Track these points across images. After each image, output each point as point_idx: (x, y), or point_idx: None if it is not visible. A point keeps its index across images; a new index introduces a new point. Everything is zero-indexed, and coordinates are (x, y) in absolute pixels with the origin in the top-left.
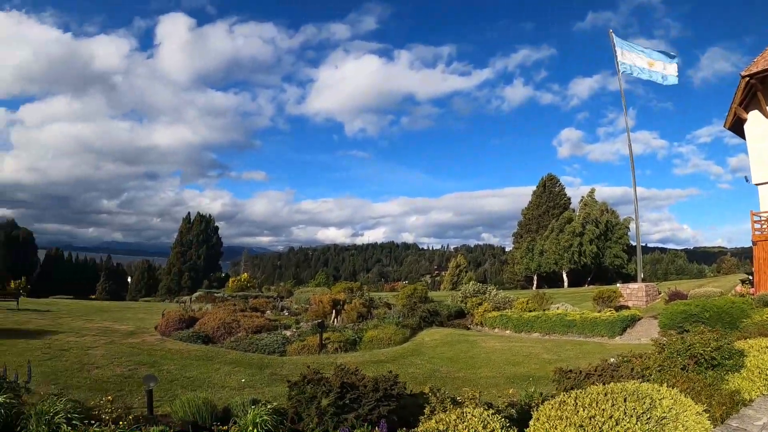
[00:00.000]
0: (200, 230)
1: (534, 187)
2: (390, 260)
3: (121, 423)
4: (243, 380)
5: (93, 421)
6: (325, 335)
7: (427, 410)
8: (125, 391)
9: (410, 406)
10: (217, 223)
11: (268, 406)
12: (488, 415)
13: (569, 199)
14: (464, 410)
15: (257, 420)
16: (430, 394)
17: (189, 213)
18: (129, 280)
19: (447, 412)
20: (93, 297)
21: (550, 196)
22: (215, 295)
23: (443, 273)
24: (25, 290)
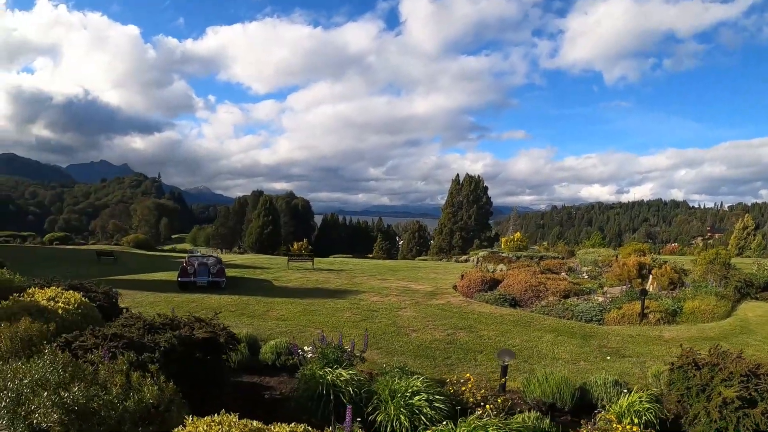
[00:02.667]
0: (470, 191)
1: None
2: (657, 219)
3: (488, 407)
4: (607, 358)
5: (456, 405)
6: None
7: None
8: (453, 359)
9: None
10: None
11: (647, 392)
12: None
13: None
14: None
15: (636, 408)
16: None
17: (458, 174)
18: (398, 239)
19: None
20: (370, 256)
21: None
22: (501, 255)
23: (716, 235)
24: (307, 251)
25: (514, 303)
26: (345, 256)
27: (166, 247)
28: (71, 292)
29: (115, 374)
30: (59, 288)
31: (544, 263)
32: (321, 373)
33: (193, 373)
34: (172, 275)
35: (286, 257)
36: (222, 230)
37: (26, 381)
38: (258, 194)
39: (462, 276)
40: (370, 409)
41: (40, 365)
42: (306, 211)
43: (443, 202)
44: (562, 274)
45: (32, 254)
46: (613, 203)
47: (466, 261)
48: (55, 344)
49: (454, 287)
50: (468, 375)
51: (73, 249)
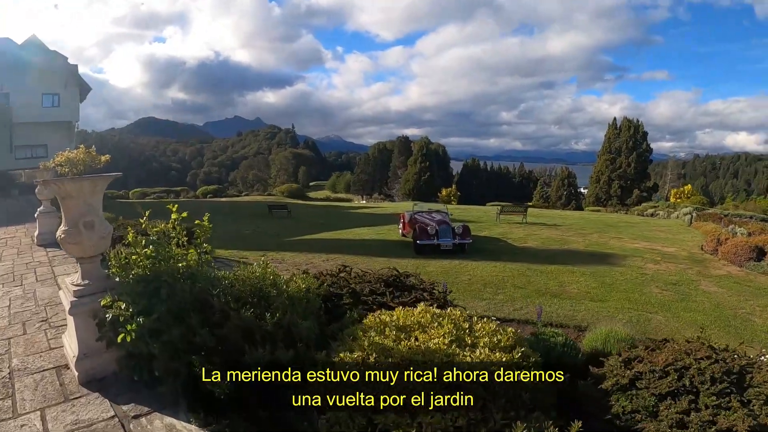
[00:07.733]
0: (629, 136)
1: None
2: None
3: None
4: None
5: None
6: None
7: None
8: None
9: None
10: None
11: None
12: None
13: None
14: None
15: None
16: None
17: (615, 118)
18: (539, 186)
19: None
20: (530, 204)
21: None
22: (714, 212)
23: None
24: (455, 198)
25: None
26: (505, 203)
27: (319, 195)
28: (459, 312)
29: None
30: (422, 304)
31: None
32: None
33: None
34: (379, 232)
35: (497, 208)
36: (362, 177)
37: None
38: (404, 140)
39: (718, 240)
40: None
41: None
42: (444, 157)
43: (577, 147)
44: None
45: (196, 209)
46: (762, 154)
47: (652, 215)
48: None
49: (702, 249)
50: None
51: (228, 201)
